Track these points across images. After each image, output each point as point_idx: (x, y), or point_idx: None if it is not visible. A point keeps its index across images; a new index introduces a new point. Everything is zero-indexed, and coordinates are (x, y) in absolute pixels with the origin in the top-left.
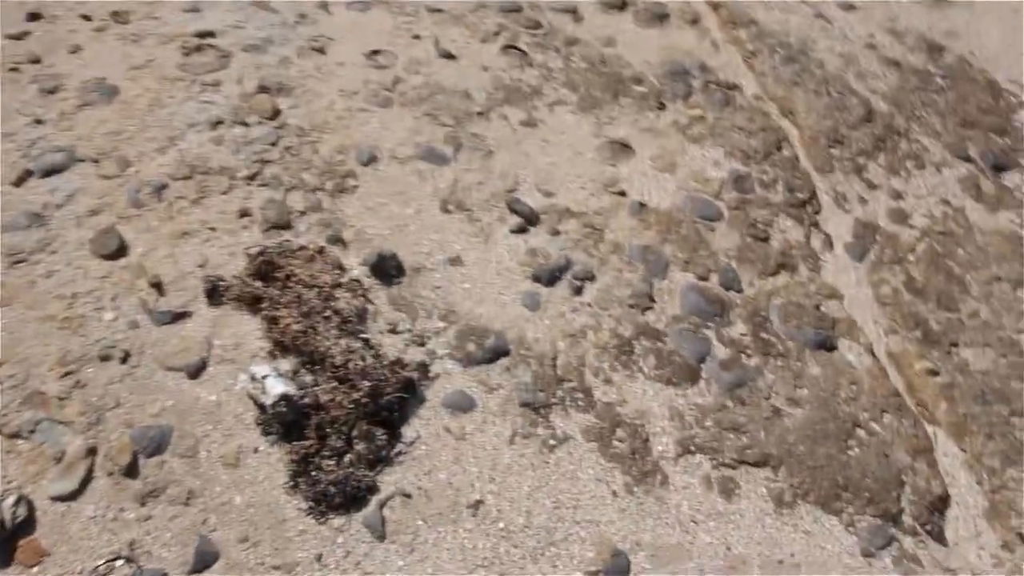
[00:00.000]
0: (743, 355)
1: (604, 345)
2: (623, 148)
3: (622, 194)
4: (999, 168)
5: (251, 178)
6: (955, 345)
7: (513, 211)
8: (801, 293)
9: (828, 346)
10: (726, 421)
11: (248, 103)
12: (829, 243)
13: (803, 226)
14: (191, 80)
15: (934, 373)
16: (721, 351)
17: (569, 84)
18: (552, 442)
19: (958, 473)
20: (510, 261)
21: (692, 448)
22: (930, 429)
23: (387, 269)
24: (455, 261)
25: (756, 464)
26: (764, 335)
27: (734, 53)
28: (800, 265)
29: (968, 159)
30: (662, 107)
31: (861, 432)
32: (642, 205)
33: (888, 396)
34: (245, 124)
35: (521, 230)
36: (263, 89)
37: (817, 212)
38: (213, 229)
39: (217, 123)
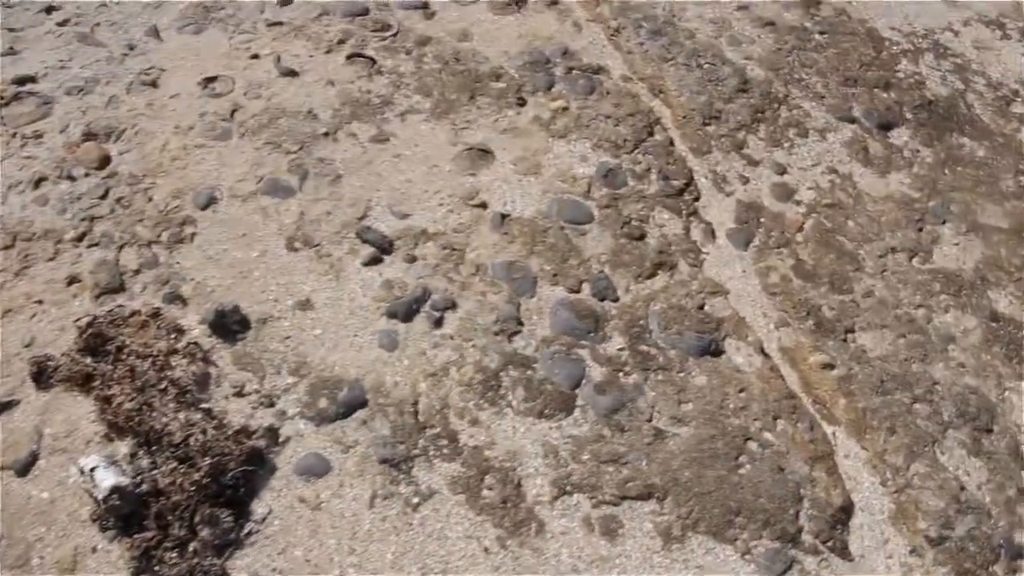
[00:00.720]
0: (621, 374)
1: (468, 382)
2: (482, 154)
3: (483, 206)
4: (885, 126)
5: (79, 239)
6: (851, 331)
7: (364, 241)
8: (683, 294)
9: (714, 351)
10: (604, 453)
11: (74, 154)
12: (711, 232)
13: (681, 217)
14: (11, 135)
15: (830, 367)
16: (597, 372)
17: (422, 89)
18: (416, 500)
19: (861, 475)
20: (364, 298)
21: (569, 488)
22: (829, 429)
23: (228, 325)
24: (304, 305)
25: (639, 497)
26: (643, 347)
27: (598, 32)
28: (680, 262)
29: (853, 120)
30: (522, 103)
31: (753, 445)
32: (504, 216)
33: (781, 399)
34: (71, 178)
35: (374, 261)
36: (90, 136)
37: (696, 199)
38: (40, 302)
39: (40, 181)
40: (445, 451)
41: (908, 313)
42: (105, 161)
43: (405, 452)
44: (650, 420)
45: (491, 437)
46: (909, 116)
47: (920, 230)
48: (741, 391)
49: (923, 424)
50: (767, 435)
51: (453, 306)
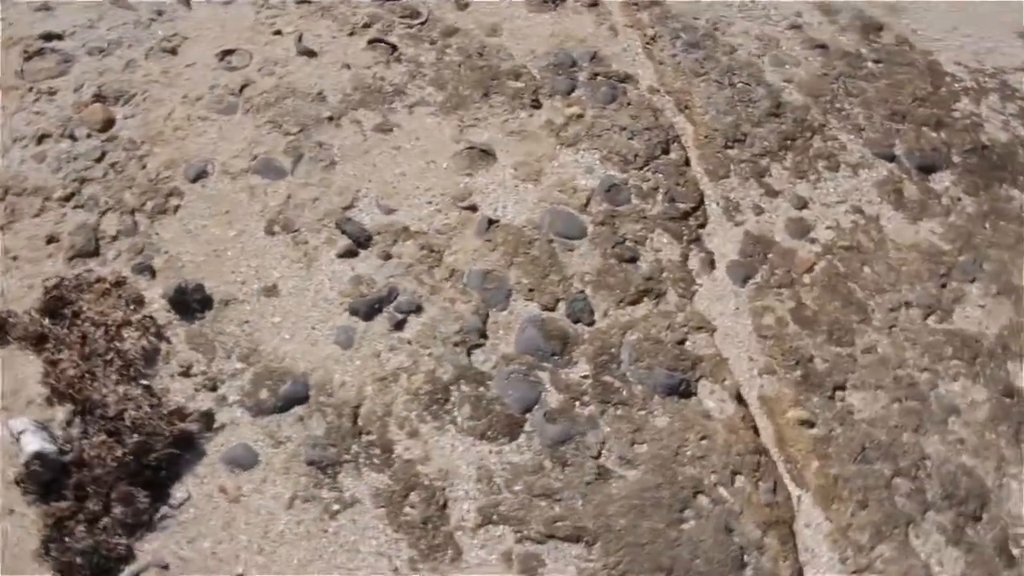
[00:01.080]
0: (577, 403)
1: (416, 391)
2: (483, 155)
3: (473, 209)
4: (927, 169)
5: (66, 199)
6: (841, 388)
7: (343, 232)
8: (664, 325)
9: (684, 391)
10: (539, 486)
11: (80, 114)
12: (710, 263)
13: (681, 243)
14: (27, 88)
15: (809, 424)
16: (553, 398)
17: (437, 81)
18: (336, 507)
19: (819, 548)
20: (330, 291)
21: (495, 517)
22: (795, 493)
23: (188, 302)
24: (270, 291)
25: (567, 539)
26: (607, 378)
27: (634, 39)
28: (669, 291)
29: (892, 158)
30: (537, 105)
31: (703, 500)
32: (492, 222)
33: (747, 453)
34: (73, 138)
35: (349, 254)
36: (99, 98)
37: (702, 225)
38: (16, 258)
39: (43, 137)
40: (376, 460)
41: (910, 375)
42: (109, 124)
43: (335, 456)
44: (597, 457)
45: (427, 452)
46: (956, 160)
47: (943, 286)
48: (703, 439)
49: (900, 501)
50: (721, 490)
51: (418, 310)
